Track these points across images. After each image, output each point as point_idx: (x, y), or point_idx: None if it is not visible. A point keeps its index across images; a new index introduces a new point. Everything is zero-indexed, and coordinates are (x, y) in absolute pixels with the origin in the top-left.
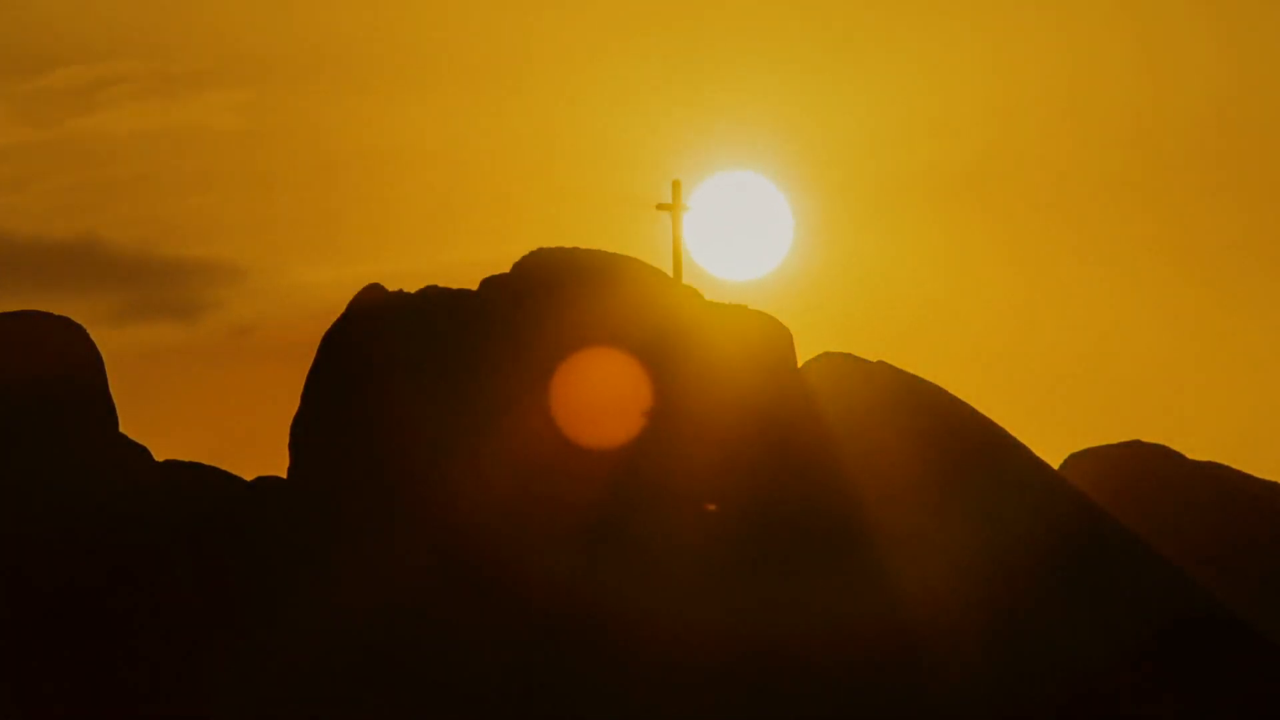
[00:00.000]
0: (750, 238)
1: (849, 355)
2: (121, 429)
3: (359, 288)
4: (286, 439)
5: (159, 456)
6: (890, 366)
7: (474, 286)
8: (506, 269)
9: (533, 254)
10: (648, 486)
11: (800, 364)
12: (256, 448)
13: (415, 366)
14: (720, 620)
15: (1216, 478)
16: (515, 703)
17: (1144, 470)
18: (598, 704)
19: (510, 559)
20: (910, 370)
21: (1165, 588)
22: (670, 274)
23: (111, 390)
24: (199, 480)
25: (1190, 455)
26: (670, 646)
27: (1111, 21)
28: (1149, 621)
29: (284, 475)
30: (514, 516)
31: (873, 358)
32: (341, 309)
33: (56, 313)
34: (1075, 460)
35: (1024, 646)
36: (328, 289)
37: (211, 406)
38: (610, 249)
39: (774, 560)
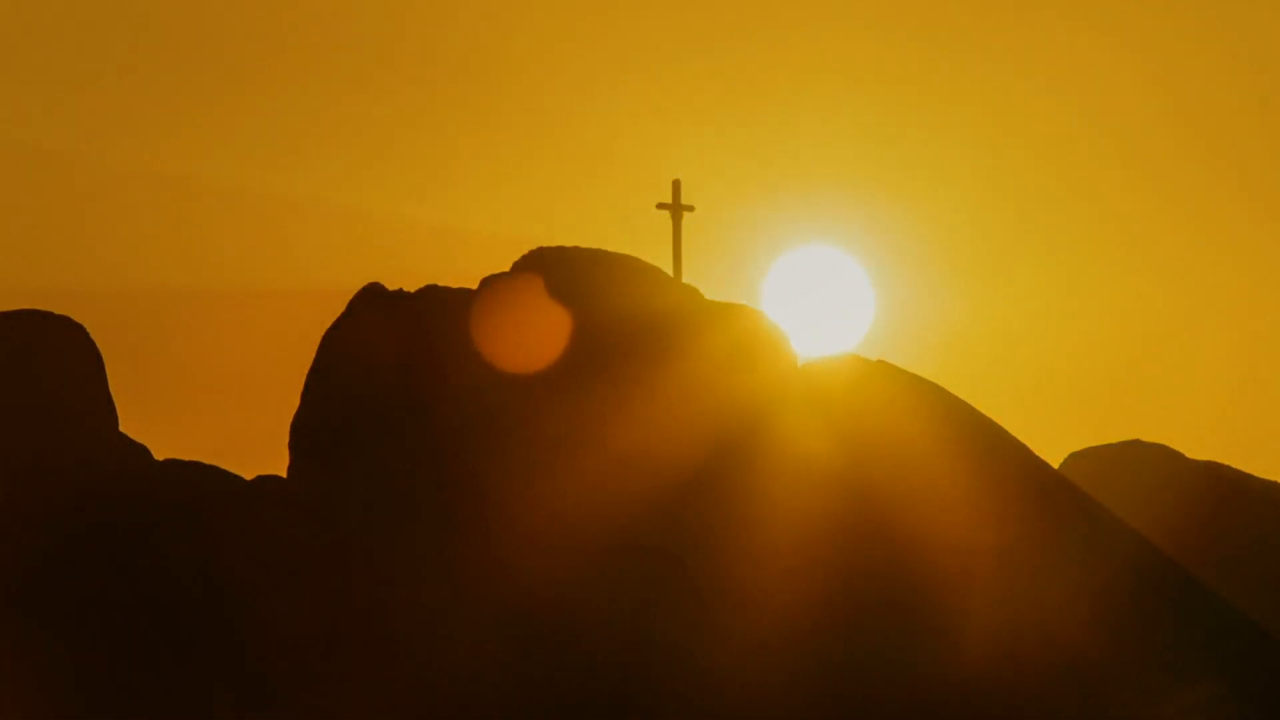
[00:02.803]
0: (831, 314)
1: (850, 355)
2: (121, 429)
3: (359, 287)
4: (286, 439)
5: (159, 456)
6: (892, 366)
7: (474, 286)
8: (506, 269)
9: (533, 253)
10: (645, 483)
11: (800, 364)
12: (256, 448)
13: (415, 366)
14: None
15: (1216, 477)
16: (511, 706)
17: (1144, 470)
18: None
19: (512, 561)
20: (912, 370)
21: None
22: (670, 274)
23: (111, 390)
24: (199, 480)
25: (1190, 455)
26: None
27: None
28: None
29: (284, 475)
30: (514, 517)
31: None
32: (341, 309)
33: (57, 312)
34: (1075, 460)
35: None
36: (328, 289)
37: (211, 406)
38: (610, 249)
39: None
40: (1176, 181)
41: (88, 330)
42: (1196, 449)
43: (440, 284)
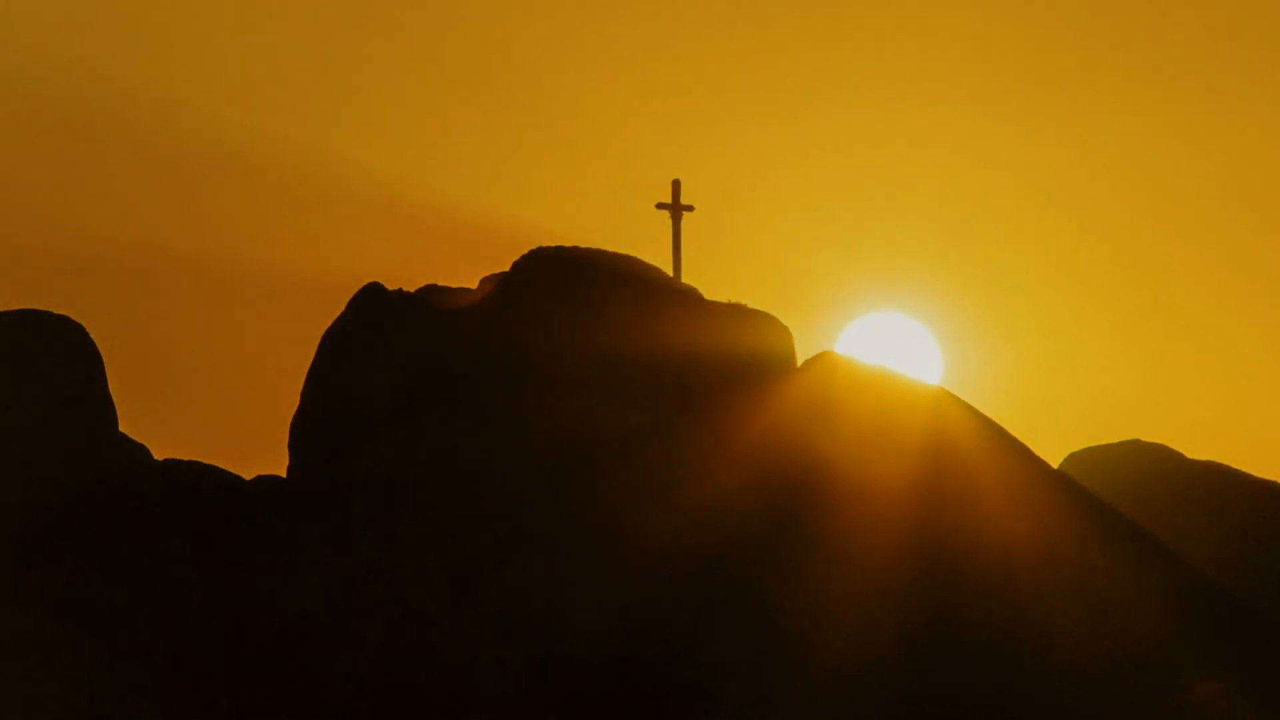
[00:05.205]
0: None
1: (849, 356)
2: (121, 429)
3: (359, 287)
4: (286, 439)
5: (159, 456)
6: (892, 369)
7: (474, 286)
8: (506, 268)
9: (532, 252)
10: (645, 482)
11: (800, 363)
12: (256, 448)
13: (414, 365)
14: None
15: (1217, 477)
16: None
17: (1144, 470)
18: None
19: (512, 561)
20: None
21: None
22: (670, 273)
23: (111, 390)
24: (199, 480)
25: (1190, 455)
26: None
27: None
28: None
29: (284, 475)
30: (516, 518)
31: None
32: (341, 308)
33: (56, 312)
34: (1075, 459)
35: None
36: (328, 288)
37: (211, 406)
38: (610, 249)
39: (771, 561)
40: (1178, 184)
41: (87, 330)
42: (1196, 449)
43: (440, 283)
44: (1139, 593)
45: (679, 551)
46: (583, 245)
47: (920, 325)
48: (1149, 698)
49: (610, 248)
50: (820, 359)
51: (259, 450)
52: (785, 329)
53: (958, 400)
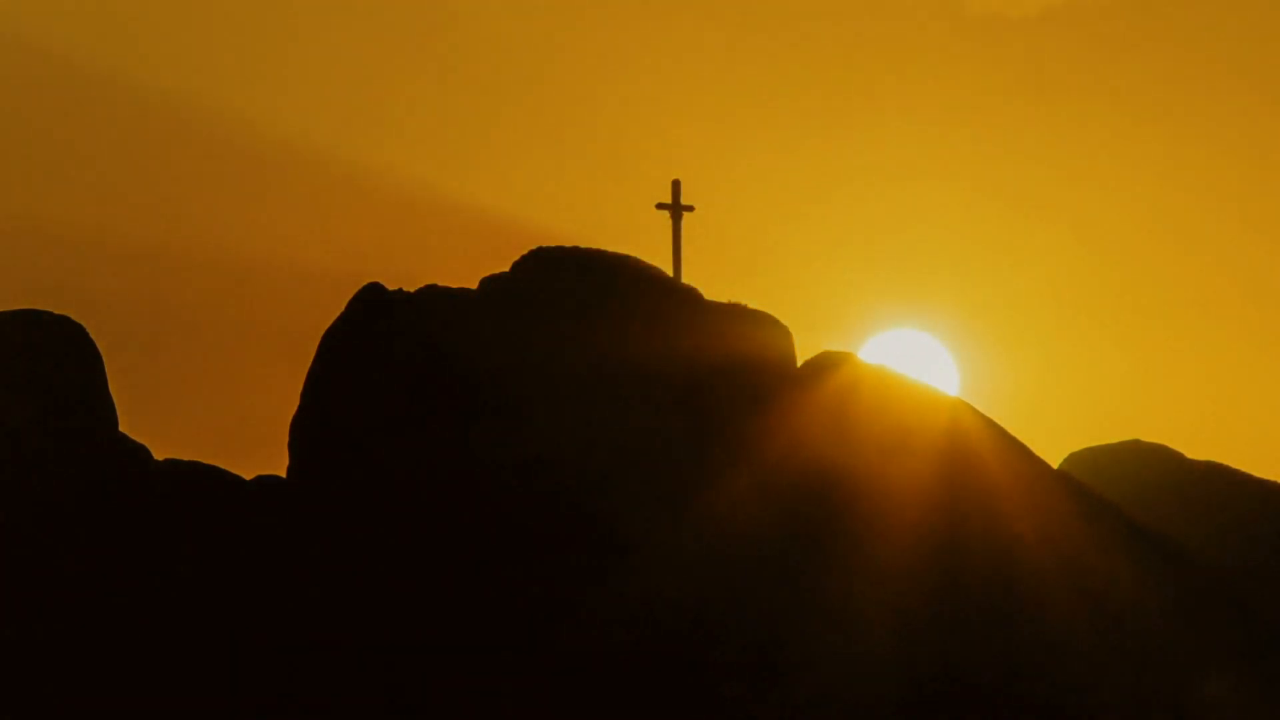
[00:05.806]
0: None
1: (849, 354)
2: (121, 429)
3: (359, 287)
4: (286, 439)
5: (159, 456)
6: (892, 369)
7: (474, 286)
8: (506, 268)
9: (532, 253)
10: (651, 482)
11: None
12: (256, 448)
13: (414, 365)
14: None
15: (1217, 477)
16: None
17: (1144, 470)
18: None
19: (511, 559)
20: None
21: None
22: (670, 273)
23: (111, 390)
24: (199, 480)
25: (1190, 455)
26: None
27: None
28: None
29: (284, 475)
30: (510, 520)
31: None
32: (341, 309)
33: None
34: (1075, 459)
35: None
36: (328, 288)
37: (211, 406)
38: (610, 249)
39: (788, 563)
40: (1177, 188)
41: (87, 330)
42: (1196, 449)
43: (440, 283)
44: (1141, 593)
45: (687, 554)
46: (583, 245)
47: (932, 338)
48: (1149, 697)
49: (610, 248)
50: (830, 359)
51: (259, 450)
52: (785, 329)
53: (967, 404)
